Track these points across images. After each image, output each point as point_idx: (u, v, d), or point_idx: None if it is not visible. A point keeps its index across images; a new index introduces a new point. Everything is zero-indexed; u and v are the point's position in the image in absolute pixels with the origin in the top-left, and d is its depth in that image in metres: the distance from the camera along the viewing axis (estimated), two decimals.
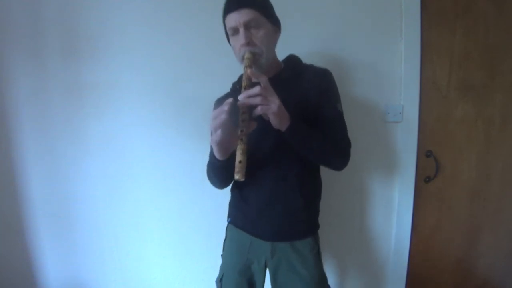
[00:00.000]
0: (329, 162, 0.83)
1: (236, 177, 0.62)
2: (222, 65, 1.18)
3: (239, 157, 0.63)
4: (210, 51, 1.19)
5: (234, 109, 0.66)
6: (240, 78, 0.92)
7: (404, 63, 1.14)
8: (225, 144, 0.69)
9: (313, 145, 0.76)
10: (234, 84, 0.94)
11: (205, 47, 1.20)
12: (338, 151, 0.81)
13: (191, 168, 1.25)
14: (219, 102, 0.92)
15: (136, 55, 1.23)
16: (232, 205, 0.95)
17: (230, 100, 0.66)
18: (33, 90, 1.29)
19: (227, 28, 0.80)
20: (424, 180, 1.21)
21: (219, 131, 0.66)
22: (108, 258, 1.37)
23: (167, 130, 1.26)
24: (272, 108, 0.65)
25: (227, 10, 0.77)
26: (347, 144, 0.84)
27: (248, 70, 0.70)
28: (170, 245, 1.33)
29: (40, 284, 1.42)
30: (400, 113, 1.16)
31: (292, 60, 0.90)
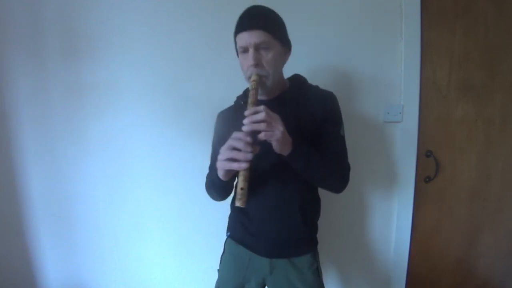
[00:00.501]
0: (328, 185, 0.83)
1: (237, 204, 0.63)
2: (222, 65, 1.18)
3: (241, 184, 0.64)
4: (210, 51, 1.19)
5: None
6: (245, 92, 0.92)
7: (404, 63, 1.14)
8: (232, 170, 0.69)
9: (313, 169, 0.76)
10: (239, 99, 0.93)
11: (205, 47, 1.20)
12: (338, 176, 0.81)
13: (191, 168, 1.25)
14: (223, 115, 0.94)
15: (136, 55, 1.23)
16: (232, 218, 0.95)
17: (248, 139, 0.65)
18: (33, 90, 1.29)
19: (237, 46, 0.80)
20: (424, 180, 1.21)
21: (228, 164, 0.66)
22: (108, 258, 1.37)
23: (167, 130, 1.26)
24: (276, 135, 0.66)
25: (239, 29, 0.77)
26: (347, 168, 0.84)
27: (250, 97, 0.71)
28: (170, 245, 1.34)
29: (40, 284, 1.42)
30: (400, 113, 1.16)
31: (298, 80, 0.90)
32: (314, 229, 0.91)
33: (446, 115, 1.18)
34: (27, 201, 1.36)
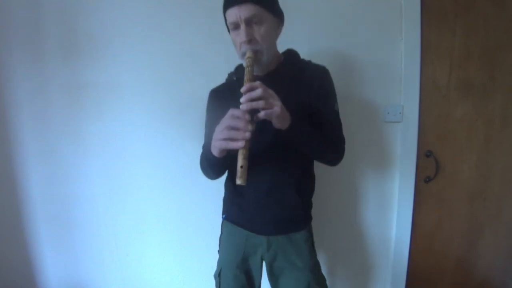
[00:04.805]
0: (325, 157, 0.85)
1: (238, 182, 0.62)
2: (223, 64, 1.18)
3: (240, 162, 0.62)
4: (210, 51, 1.19)
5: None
6: (237, 68, 0.93)
7: (404, 63, 1.14)
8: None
9: (311, 142, 0.77)
10: (230, 75, 0.94)
11: (205, 47, 1.20)
12: (334, 148, 0.83)
13: (191, 168, 1.25)
14: (215, 93, 0.94)
15: (136, 55, 1.23)
16: (227, 200, 0.95)
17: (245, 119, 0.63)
18: (33, 90, 1.28)
19: (228, 23, 0.77)
20: (424, 180, 1.21)
21: (225, 144, 0.65)
22: (108, 258, 1.37)
23: (167, 130, 1.26)
24: (275, 112, 0.64)
25: (228, 4, 0.73)
26: (342, 141, 0.86)
27: (246, 75, 0.69)
28: (170, 245, 1.33)
29: (40, 284, 1.42)
30: (400, 113, 1.16)
31: (292, 55, 0.89)
32: (309, 205, 0.92)
33: (446, 115, 1.18)
34: (27, 201, 1.36)
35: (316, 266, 0.88)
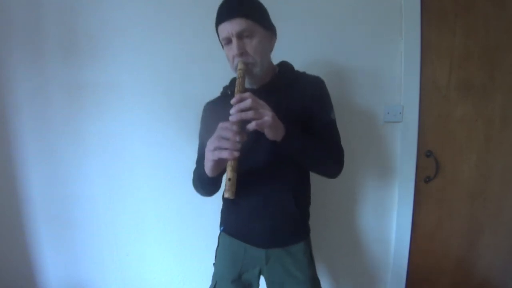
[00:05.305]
0: (323, 169, 0.83)
1: (226, 195, 0.60)
2: (222, 65, 1.18)
3: (229, 174, 0.61)
4: (210, 51, 1.19)
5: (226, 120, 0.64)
6: (232, 81, 0.92)
7: (404, 63, 1.14)
8: (220, 162, 0.67)
9: (307, 153, 0.75)
10: (225, 88, 0.93)
11: (205, 47, 1.20)
12: (332, 159, 0.81)
13: (191, 168, 1.25)
14: (209, 106, 0.94)
15: (137, 55, 1.23)
16: (225, 212, 0.95)
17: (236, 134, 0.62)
18: (33, 90, 1.28)
19: (220, 38, 0.78)
20: (424, 180, 1.21)
21: (217, 153, 0.64)
22: (108, 258, 1.37)
23: (167, 130, 1.26)
24: (266, 122, 0.63)
25: (219, 20, 0.75)
26: (341, 151, 0.83)
27: (237, 87, 0.68)
28: (170, 245, 1.33)
29: (40, 284, 1.42)
30: (400, 113, 1.16)
31: (286, 67, 0.89)
32: (306, 216, 0.91)
33: (446, 115, 1.18)
34: (27, 201, 1.36)
35: (315, 281, 0.87)
